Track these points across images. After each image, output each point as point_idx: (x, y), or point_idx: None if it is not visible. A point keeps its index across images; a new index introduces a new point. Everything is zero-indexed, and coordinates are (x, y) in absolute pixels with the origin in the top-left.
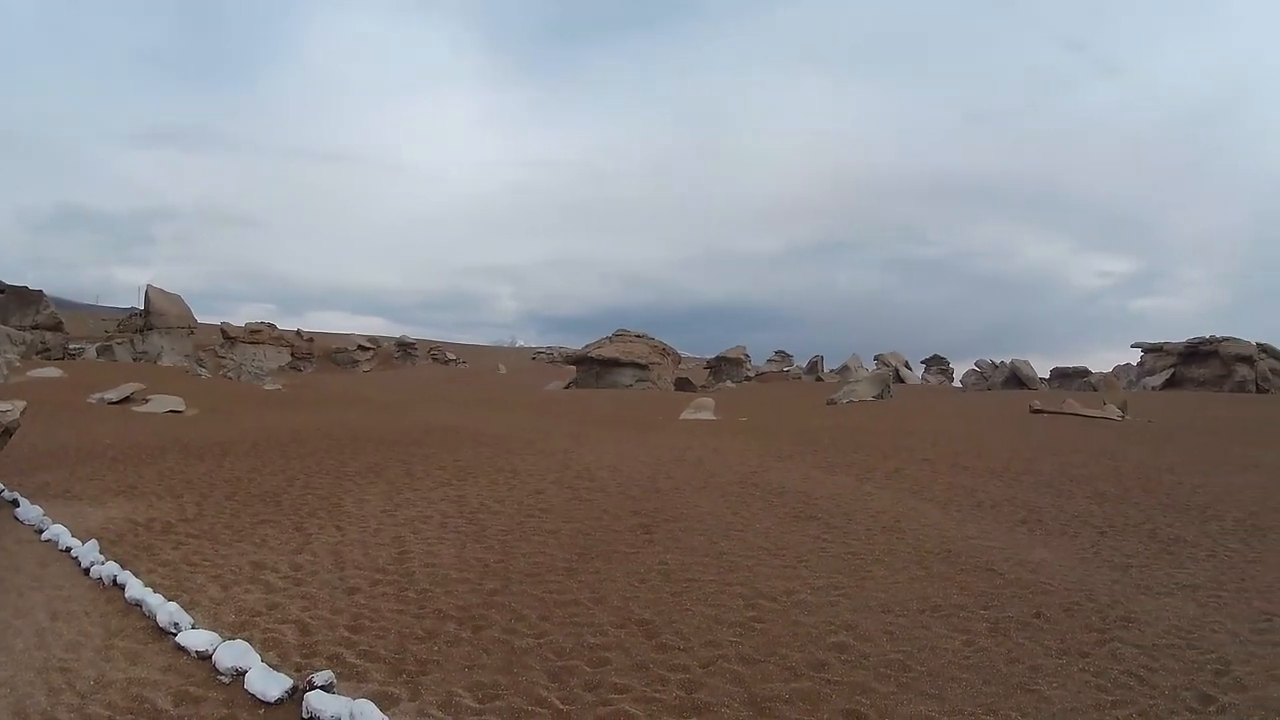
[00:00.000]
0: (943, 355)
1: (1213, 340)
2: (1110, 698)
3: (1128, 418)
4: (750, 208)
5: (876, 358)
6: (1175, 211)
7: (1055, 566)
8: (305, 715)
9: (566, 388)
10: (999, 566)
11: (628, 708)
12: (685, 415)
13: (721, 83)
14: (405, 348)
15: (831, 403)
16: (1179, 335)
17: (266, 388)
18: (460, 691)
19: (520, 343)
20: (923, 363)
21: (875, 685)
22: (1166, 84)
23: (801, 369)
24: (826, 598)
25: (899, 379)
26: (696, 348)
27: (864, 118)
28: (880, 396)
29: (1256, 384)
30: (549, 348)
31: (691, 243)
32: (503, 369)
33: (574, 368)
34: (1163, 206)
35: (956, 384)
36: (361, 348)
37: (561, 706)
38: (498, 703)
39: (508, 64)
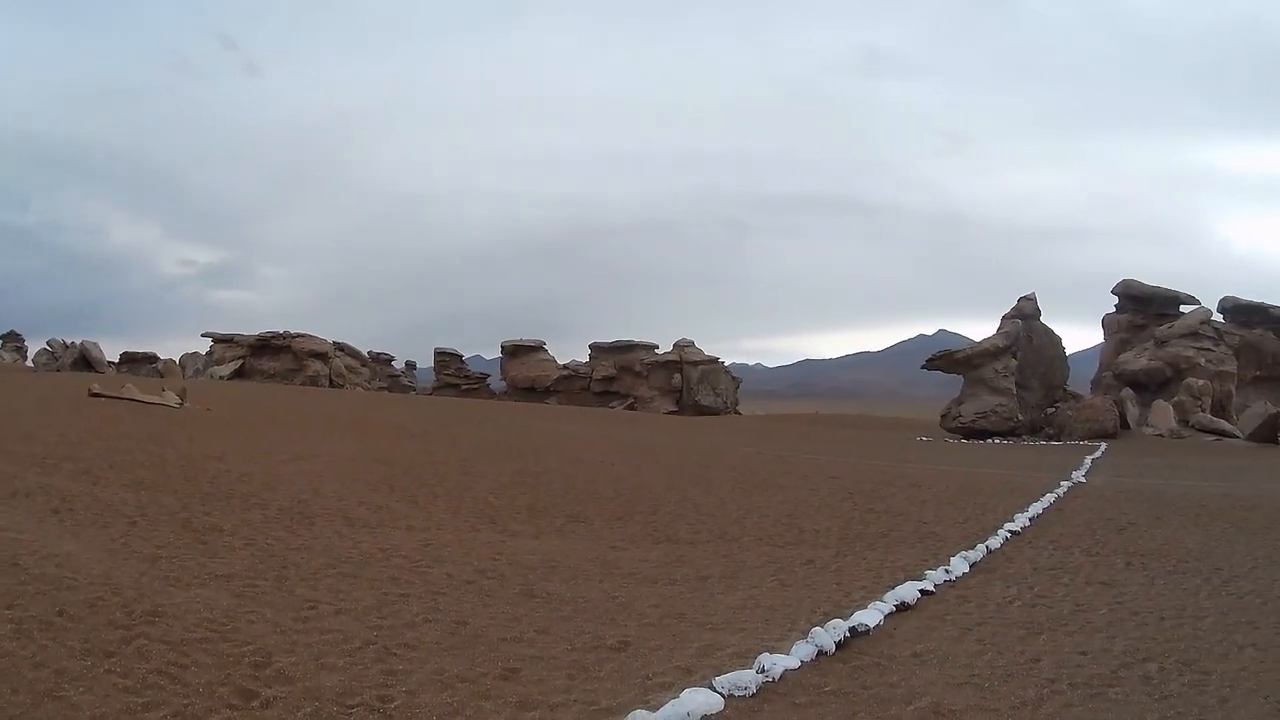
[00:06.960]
0: (19, 331)
1: (286, 335)
2: (141, 699)
3: (187, 405)
4: None
5: None
6: (271, 210)
7: (83, 559)
8: None
9: None
10: (25, 561)
11: None
12: None
13: None
14: None
15: None
16: (256, 328)
17: None
18: None
19: None
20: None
21: None
22: (305, 94)
23: None
24: None
25: None
26: None
27: None
28: None
29: (330, 379)
30: None
31: None
32: None
33: None
34: (260, 203)
35: (29, 363)
36: None
37: None
38: None
39: None
